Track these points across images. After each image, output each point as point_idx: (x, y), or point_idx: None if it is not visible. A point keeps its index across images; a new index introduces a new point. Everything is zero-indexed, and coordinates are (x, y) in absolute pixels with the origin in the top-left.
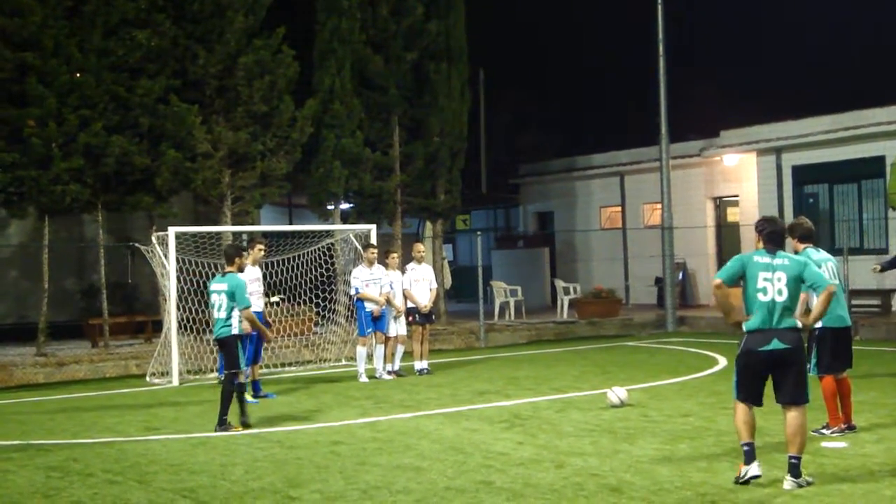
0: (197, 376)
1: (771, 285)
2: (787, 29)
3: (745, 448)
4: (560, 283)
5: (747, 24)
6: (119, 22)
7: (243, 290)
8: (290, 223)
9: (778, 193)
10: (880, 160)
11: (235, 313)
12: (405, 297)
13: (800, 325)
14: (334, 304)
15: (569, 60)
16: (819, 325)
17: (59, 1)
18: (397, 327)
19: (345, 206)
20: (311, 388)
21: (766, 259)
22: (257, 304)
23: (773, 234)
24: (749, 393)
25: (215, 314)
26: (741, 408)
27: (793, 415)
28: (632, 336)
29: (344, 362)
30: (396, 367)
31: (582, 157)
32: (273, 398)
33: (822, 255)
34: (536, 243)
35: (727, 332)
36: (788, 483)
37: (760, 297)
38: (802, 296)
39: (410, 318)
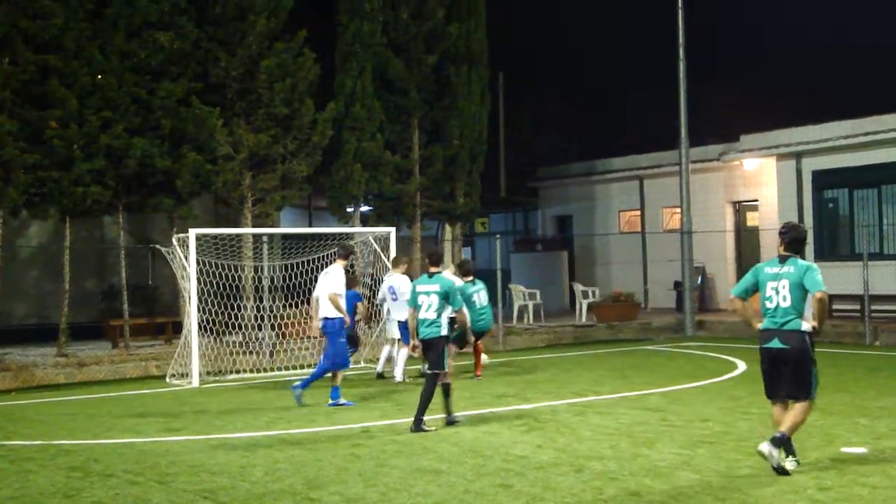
0: (217, 377)
1: (776, 293)
2: (807, 33)
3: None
4: (579, 287)
5: (768, 29)
6: (141, 24)
7: (456, 291)
8: (310, 226)
9: (798, 198)
10: None
11: (445, 315)
12: None
13: (806, 327)
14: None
15: (589, 63)
16: None
17: (81, 3)
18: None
19: (364, 208)
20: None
21: (775, 269)
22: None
23: (793, 241)
24: (767, 389)
25: (422, 314)
26: (772, 408)
27: (798, 405)
28: (650, 340)
29: (362, 364)
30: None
31: (601, 160)
32: (351, 405)
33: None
34: (555, 247)
35: (745, 337)
36: (764, 446)
37: (768, 304)
38: (818, 295)
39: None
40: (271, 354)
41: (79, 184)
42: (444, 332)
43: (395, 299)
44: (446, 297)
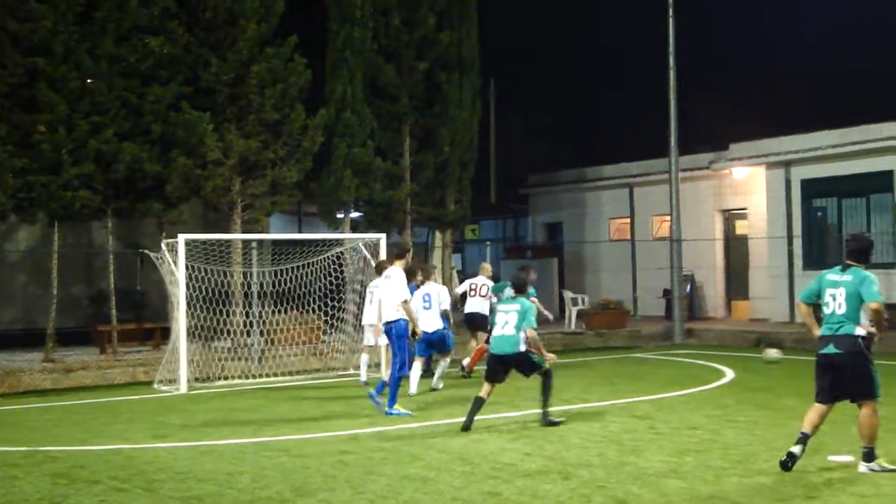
0: (205, 384)
1: (833, 300)
2: (797, 42)
3: (800, 434)
4: (568, 294)
5: (757, 38)
6: (131, 28)
7: (533, 312)
8: (300, 231)
9: (787, 207)
10: (888, 175)
11: (522, 334)
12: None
13: (860, 332)
14: (343, 312)
15: (580, 71)
16: None
17: (70, 6)
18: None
19: (355, 214)
20: (319, 397)
21: (836, 276)
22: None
23: (853, 251)
24: (818, 391)
25: (499, 332)
26: (814, 407)
27: (863, 410)
28: (639, 348)
29: (352, 371)
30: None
31: (592, 168)
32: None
33: None
34: (545, 254)
35: (734, 345)
36: (862, 467)
37: (825, 310)
38: (874, 305)
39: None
40: (260, 361)
41: (67, 188)
42: (523, 347)
43: (427, 307)
44: (524, 317)
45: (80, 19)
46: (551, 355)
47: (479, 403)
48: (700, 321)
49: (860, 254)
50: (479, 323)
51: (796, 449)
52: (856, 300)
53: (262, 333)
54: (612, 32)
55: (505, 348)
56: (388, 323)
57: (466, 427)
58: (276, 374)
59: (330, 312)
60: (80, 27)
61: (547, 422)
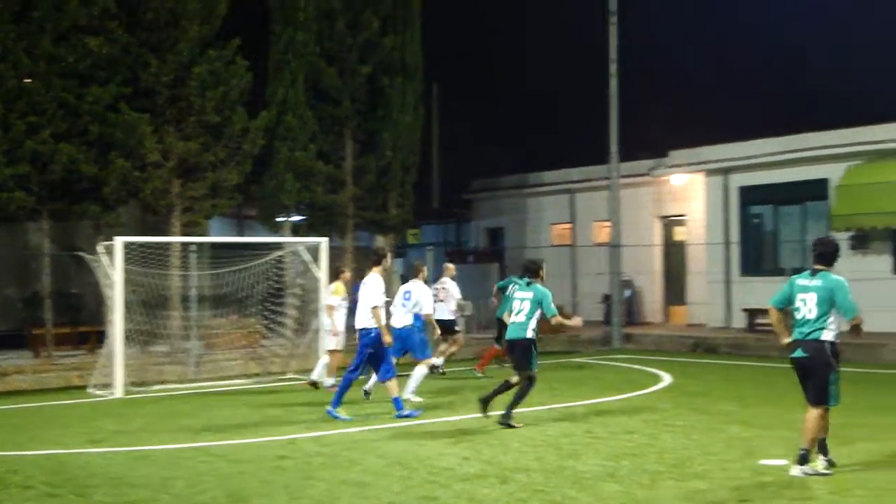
0: (141, 388)
1: (804, 305)
2: (738, 50)
3: (816, 445)
4: None
5: (698, 46)
6: (70, 28)
7: (549, 299)
8: (240, 235)
9: (724, 213)
10: (824, 182)
11: (533, 321)
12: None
13: (829, 338)
14: (283, 317)
15: (523, 77)
16: None
17: (7, 4)
18: (338, 341)
19: (296, 218)
20: (258, 402)
21: (806, 281)
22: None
23: (821, 255)
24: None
25: (513, 318)
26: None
27: (811, 412)
28: (578, 352)
29: (291, 376)
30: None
31: (533, 173)
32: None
33: None
34: (487, 259)
35: (671, 350)
36: (795, 470)
37: (796, 315)
38: (853, 322)
39: None
40: (198, 365)
41: (2, 189)
42: (530, 335)
43: (403, 305)
44: (539, 304)
45: (17, 18)
46: (578, 319)
47: (506, 386)
48: (638, 326)
49: (827, 257)
50: (449, 326)
51: (821, 464)
52: (827, 305)
53: (200, 338)
54: (556, 39)
55: (514, 334)
56: (360, 330)
57: (485, 401)
58: (214, 379)
59: (270, 317)
60: (17, 25)
61: (505, 423)
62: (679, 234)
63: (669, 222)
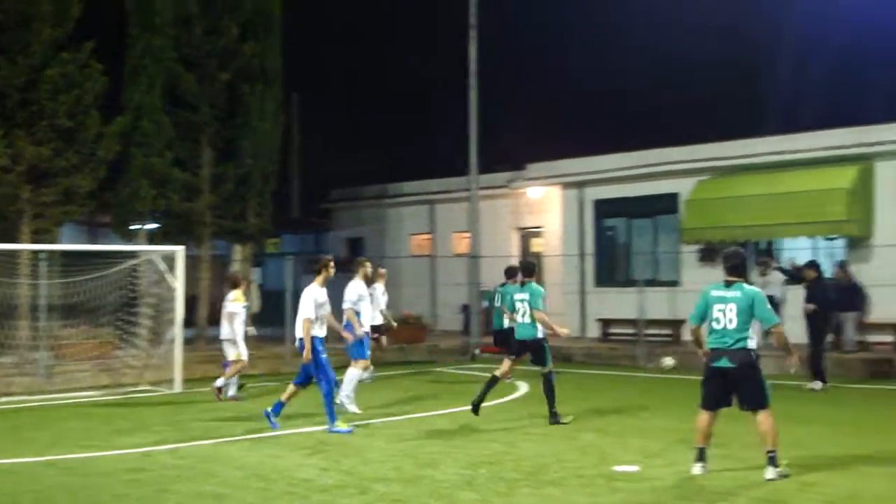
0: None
1: (723, 315)
2: (597, 64)
3: (697, 450)
4: None
5: (558, 59)
6: None
7: (539, 295)
8: (93, 243)
9: (579, 226)
10: (674, 197)
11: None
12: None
13: (751, 345)
14: (137, 327)
15: (383, 88)
16: None
17: None
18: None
19: (151, 226)
20: (110, 414)
21: (721, 293)
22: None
23: (733, 268)
24: (706, 401)
25: (519, 319)
26: (701, 415)
27: (759, 418)
28: (438, 362)
29: (144, 387)
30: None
31: (393, 184)
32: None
33: None
34: (346, 269)
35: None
36: (769, 473)
37: (715, 325)
38: (775, 331)
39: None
40: (48, 377)
41: None
42: (540, 334)
43: (371, 304)
44: (535, 303)
45: None
46: (564, 330)
47: (493, 382)
48: None
49: (739, 269)
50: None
51: (697, 468)
52: (747, 315)
53: (49, 348)
54: (416, 51)
55: (524, 334)
56: (300, 340)
57: (476, 405)
58: (64, 391)
59: (123, 327)
60: None
61: (555, 421)
62: (536, 245)
63: (527, 234)
